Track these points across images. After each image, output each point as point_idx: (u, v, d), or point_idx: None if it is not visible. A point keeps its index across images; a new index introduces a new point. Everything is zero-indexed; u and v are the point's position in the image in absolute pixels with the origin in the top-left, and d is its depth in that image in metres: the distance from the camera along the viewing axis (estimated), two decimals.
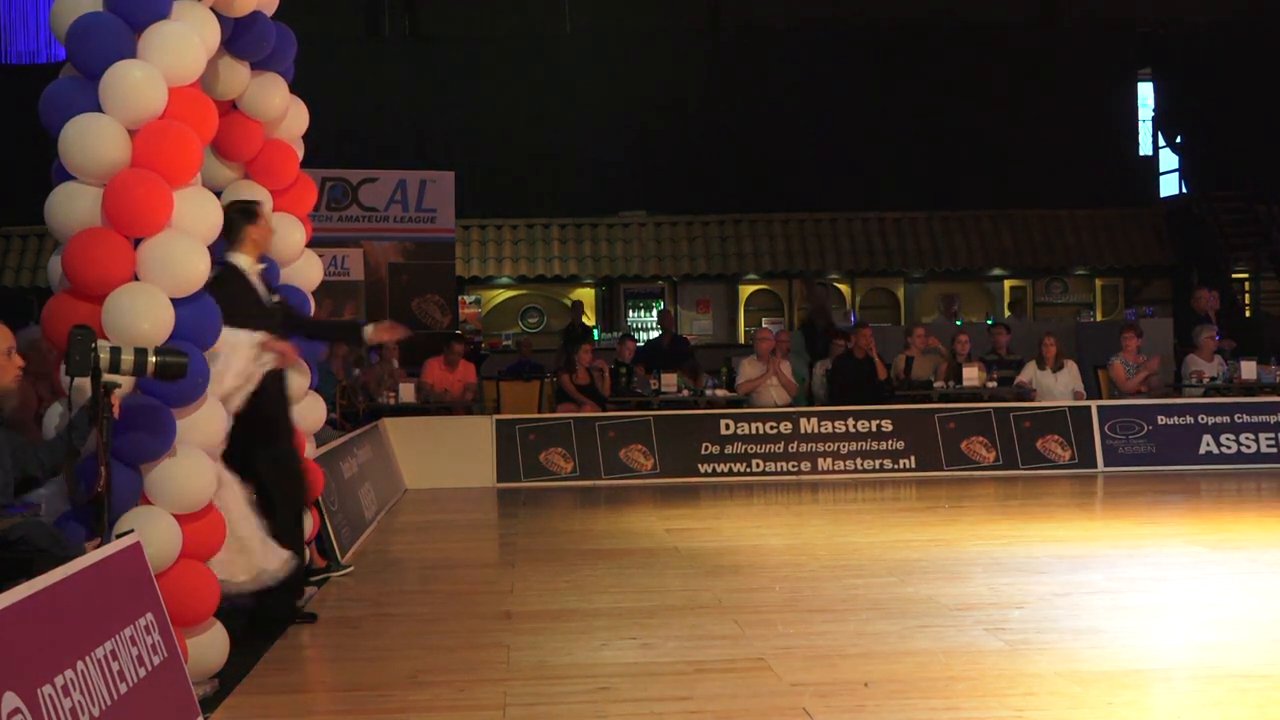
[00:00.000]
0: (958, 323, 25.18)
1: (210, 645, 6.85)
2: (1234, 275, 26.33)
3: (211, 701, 6.65)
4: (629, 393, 17.96)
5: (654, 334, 24.92)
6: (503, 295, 28.25)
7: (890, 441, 16.78)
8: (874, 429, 16.84)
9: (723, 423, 16.84)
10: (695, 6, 28.27)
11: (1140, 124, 29.37)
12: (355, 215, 21.83)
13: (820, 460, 16.75)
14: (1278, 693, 6.39)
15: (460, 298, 25.49)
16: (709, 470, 16.64)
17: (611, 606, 8.87)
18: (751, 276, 27.69)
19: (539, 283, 27.70)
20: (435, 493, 15.86)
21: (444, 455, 16.49)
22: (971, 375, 17.48)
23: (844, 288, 27.95)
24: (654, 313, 27.29)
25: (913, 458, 16.71)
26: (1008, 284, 28.21)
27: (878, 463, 16.72)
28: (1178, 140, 28.44)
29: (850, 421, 16.88)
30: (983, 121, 27.38)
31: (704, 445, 16.71)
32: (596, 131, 27.21)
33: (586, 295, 27.69)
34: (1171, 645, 7.53)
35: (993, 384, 17.64)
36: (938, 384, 17.73)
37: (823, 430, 16.84)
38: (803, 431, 16.82)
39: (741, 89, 27.56)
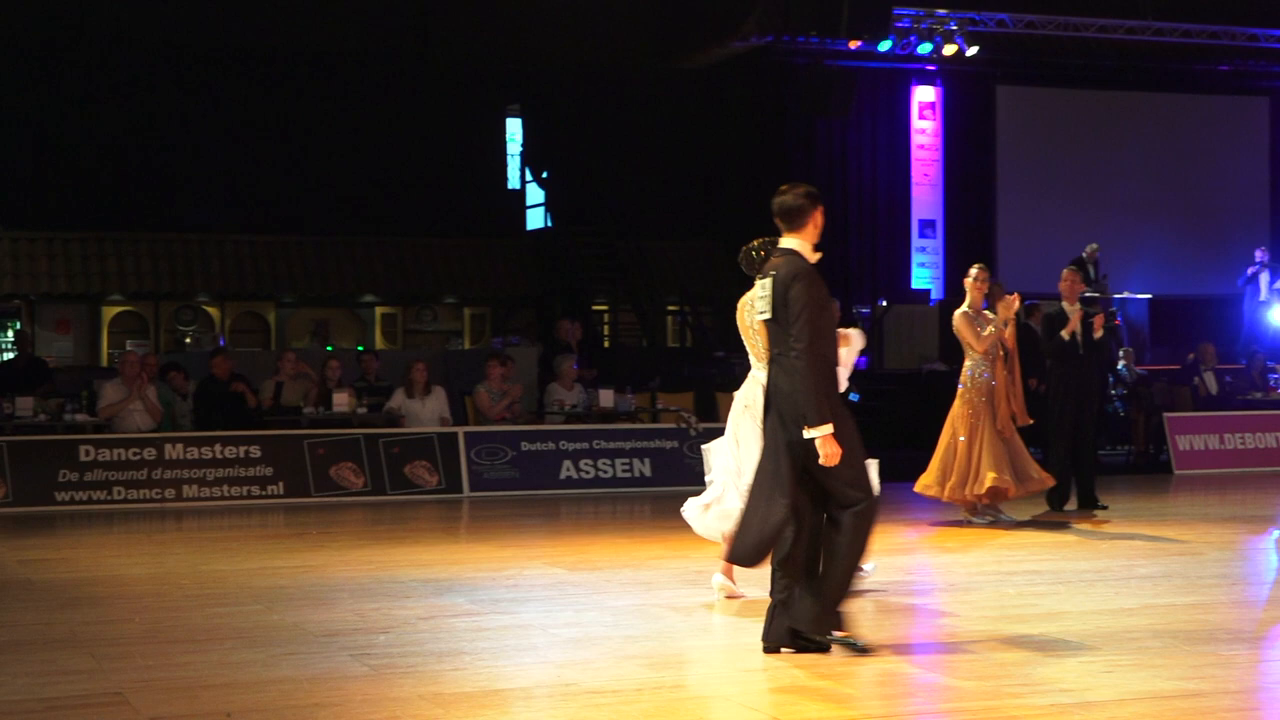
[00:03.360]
0: (329, 348, 25.13)
1: None
2: (595, 307, 27.48)
3: None
4: None
5: (9, 355, 23.64)
6: None
7: (258, 468, 16.53)
8: (241, 455, 16.55)
9: (82, 449, 16.15)
10: (71, 17, 26.99)
11: (510, 158, 30.28)
12: None
13: (186, 487, 16.31)
14: (628, 707, 6.66)
15: None
16: (67, 498, 15.90)
17: None
18: (116, 297, 26.72)
19: None
20: None
21: None
22: (341, 401, 17.49)
23: (213, 311, 27.41)
24: (9, 333, 25.90)
25: (281, 484, 16.52)
26: (379, 310, 28.41)
27: (245, 489, 16.44)
28: (543, 175, 29.47)
29: (217, 448, 16.53)
30: (358, 149, 27.48)
31: (61, 472, 15.96)
32: None
33: None
34: (530, 665, 7.74)
35: (363, 410, 17.72)
36: (307, 410, 17.65)
37: (189, 457, 16.41)
38: (168, 458, 16.34)
39: (111, 102, 26.57)
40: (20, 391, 17.47)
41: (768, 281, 7.82)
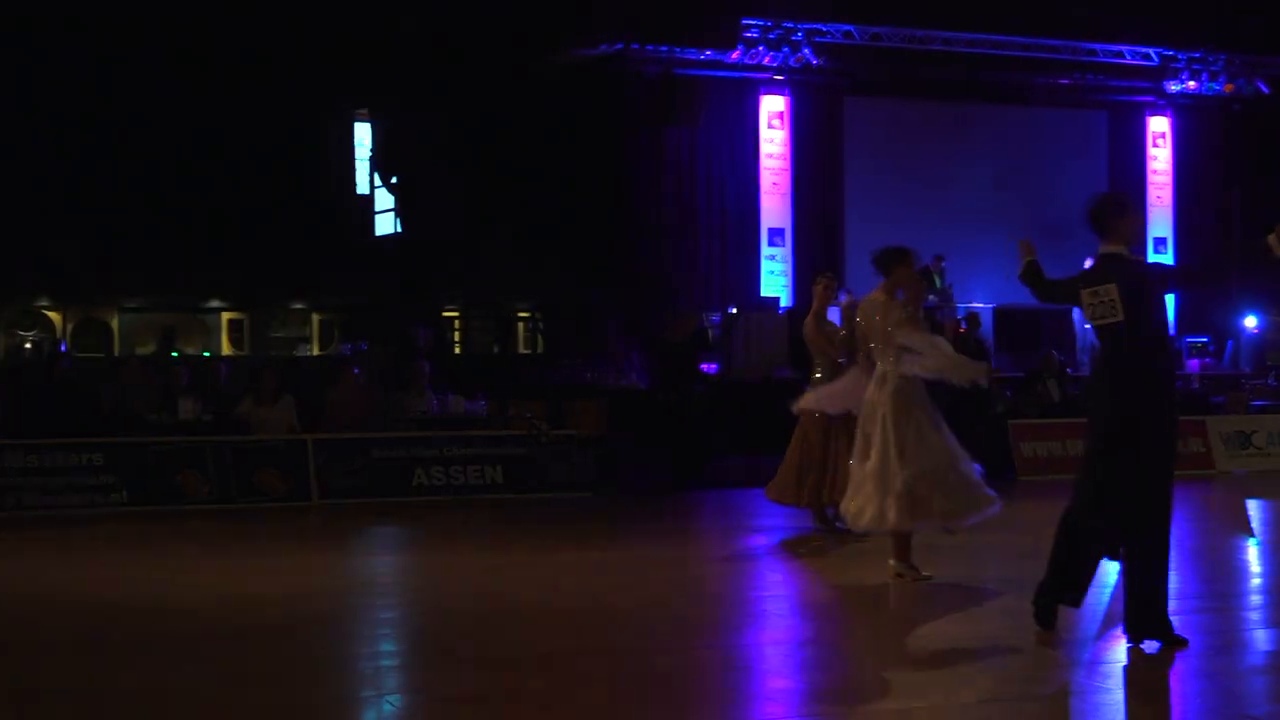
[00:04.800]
0: (174, 354, 24.71)
1: None
2: (446, 313, 27.36)
3: None
4: None
5: None
6: None
7: (101, 475, 16.16)
8: (84, 462, 16.18)
9: None
10: None
11: (358, 163, 29.99)
12: None
13: (25, 495, 15.87)
14: None
15: None
16: None
17: None
18: None
19: None
20: None
21: None
22: (187, 408, 17.19)
23: (55, 316, 26.87)
24: None
25: (124, 492, 16.17)
26: (226, 316, 28.06)
27: (88, 497, 16.06)
28: (393, 180, 29.25)
29: (59, 455, 16.12)
30: (203, 151, 27.06)
31: None
32: None
33: None
34: None
35: (209, 417, 17.43)
36: (152, 416, 17.31)
37: (29, 464, 15.99)
38: (5, 464, 15.90)
39: None
40: None
41: (1110, 287, 8.01)
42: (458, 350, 26.77)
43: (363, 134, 29.91)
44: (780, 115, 26.80)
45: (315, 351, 27.92)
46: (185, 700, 6.96)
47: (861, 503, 10.10)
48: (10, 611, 9.69)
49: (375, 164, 29.74)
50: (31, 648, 8.36)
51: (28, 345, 25.96)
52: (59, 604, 9.92)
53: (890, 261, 10.34)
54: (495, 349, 26.74)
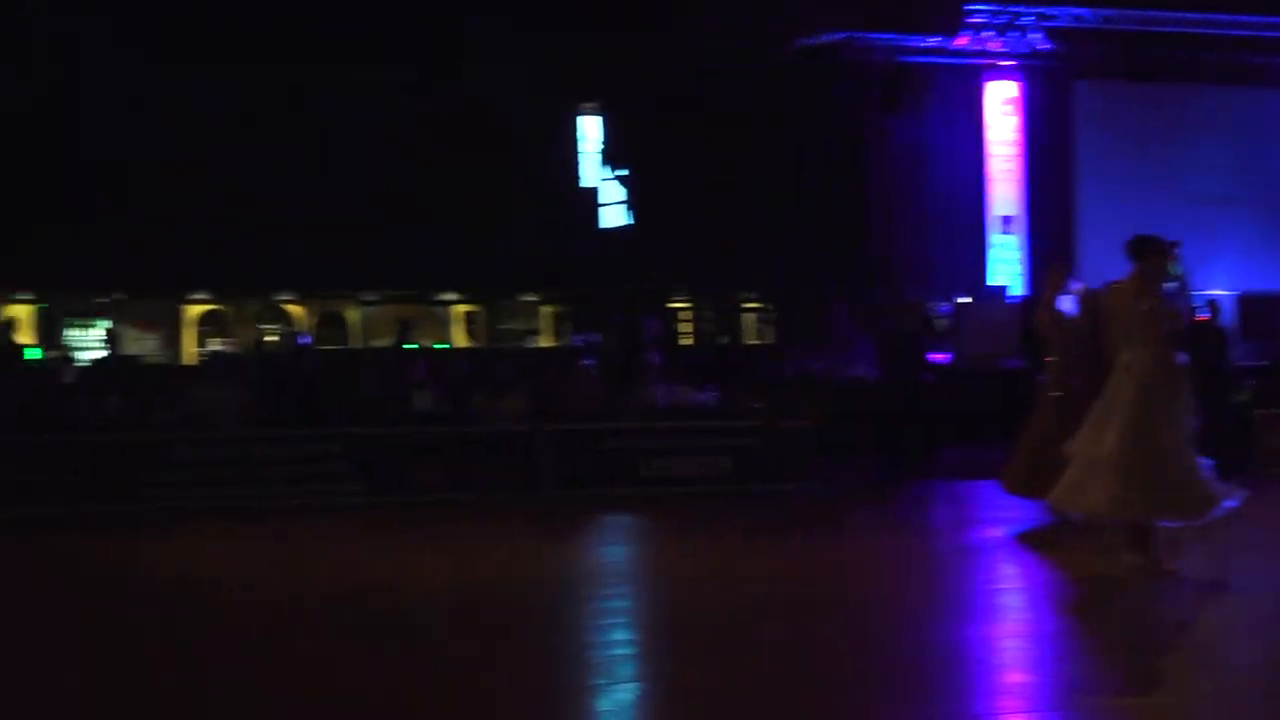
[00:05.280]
0: (411, 346, 25.17)
1: None
2: (674, 304, 27.48)
3: None
4: None
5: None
6: None
7: (338, 464, 16.50)
8: (322, 453, 16.53)
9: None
10: None
11: (581, 155, 30.30)
12: None
13: (270, 485, 16.25)
14: None
15: None
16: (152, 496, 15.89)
17: None
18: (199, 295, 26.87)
19: None
20: None
21: None
22: (423, 399, 17.50)
23: (297, 310, 27.60)
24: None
25: (361, 482, 16.47)
26: (459, 309, 28.53)
27: (325, 486, 16.37)
28: (622, 172, 29.52)
29: (299, 446, 16.51)
30: (437, 149, 27.52)
31: (148, 471, 16.01)
32: None
33: None
34: None
35: (444, 408, 17.71)
36: (389, 408, 17.62)
37: (271, 455, 16.39)
38: (248, 457, 16.32)
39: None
40: None
41: None
42: (687, 341, 26.87)
43: (591, 127, 30.23)
44: (1012, 101, 26.38)
45: (546, 343, 28.26)
46: (415, 685, 7.10)
47: (1096, 490, 9.85)
48: (270, 598, 10.00)
49: (605, 157, 30.04)
50: (289, 634, 8.60)
51: (271, 339, 26.73)
52: (309, 592, 10.20)
53: (1144, 250, 10.13)
54: (724, 340, 26.78)
